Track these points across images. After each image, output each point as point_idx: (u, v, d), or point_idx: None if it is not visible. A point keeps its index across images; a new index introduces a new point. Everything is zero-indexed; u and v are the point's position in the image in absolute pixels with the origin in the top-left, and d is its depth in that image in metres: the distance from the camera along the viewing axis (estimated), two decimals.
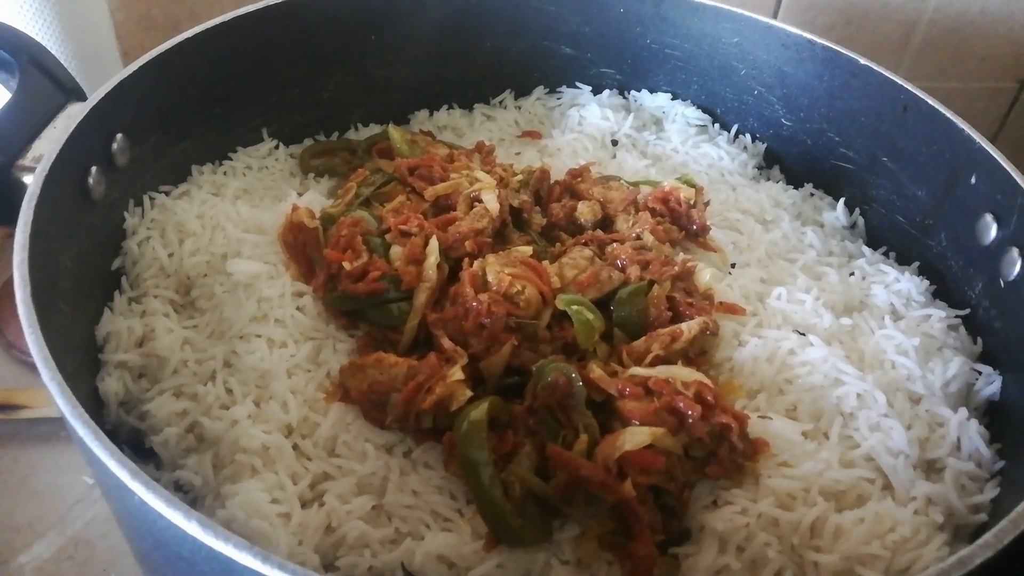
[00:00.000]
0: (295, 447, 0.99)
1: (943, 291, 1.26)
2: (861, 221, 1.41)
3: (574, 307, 1.05)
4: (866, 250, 1.36)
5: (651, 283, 1.12)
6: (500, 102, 1.61)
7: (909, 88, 1.28)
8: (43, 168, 0.97)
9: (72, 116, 1.06)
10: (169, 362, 1.07)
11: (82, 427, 0.74)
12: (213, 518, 0.90)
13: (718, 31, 1.47)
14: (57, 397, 0.77)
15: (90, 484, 1.32)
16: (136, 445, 1.04)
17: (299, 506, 0.94)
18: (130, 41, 1.69)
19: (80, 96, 1.15)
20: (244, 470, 0.96)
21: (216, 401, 1.03)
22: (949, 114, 1.23)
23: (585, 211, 1.26)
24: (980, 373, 1.13)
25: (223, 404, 1.03)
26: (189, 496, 0.98)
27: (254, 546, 0.66)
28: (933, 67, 1.95)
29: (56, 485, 1.31)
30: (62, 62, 1.17)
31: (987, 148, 1.16)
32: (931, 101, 1.25)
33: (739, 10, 1.44)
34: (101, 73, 1.54)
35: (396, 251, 1.12)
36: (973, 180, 1.19)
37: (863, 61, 1.33)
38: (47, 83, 1.10)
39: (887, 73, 1.31)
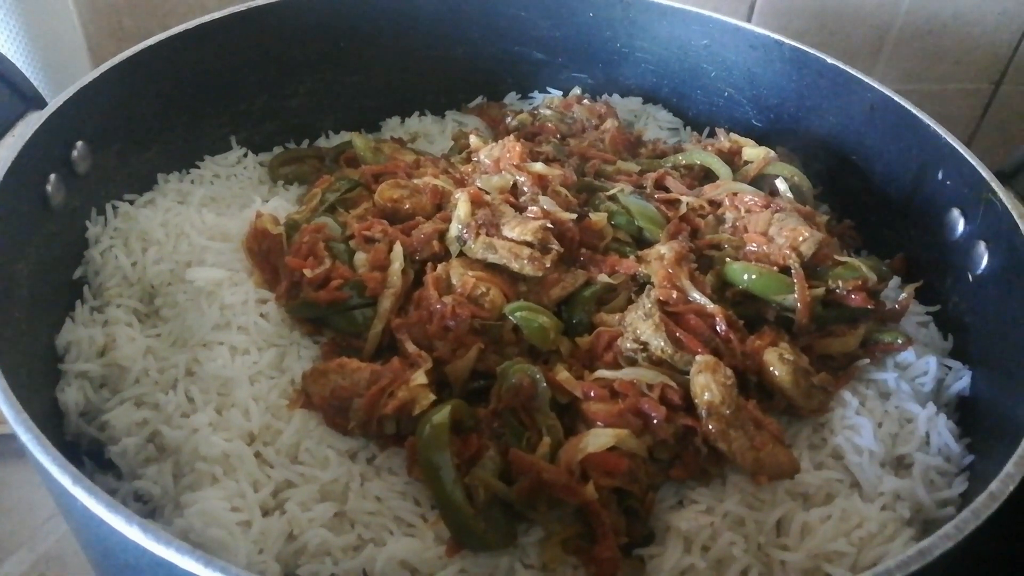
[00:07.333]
0: (257, 455, 0.98)
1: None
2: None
3: (518, 314, 1.04)
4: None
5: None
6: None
7: (876, 86, 1.28)
8: None
9: (31, 124, 1.05)
10: (131, 371, 1.05)
11: (25, 432, 0.73)
12: (171, 528, 0.89)
13: (687, 33, 1.48)
14: (1, 403, 0.75)
15: None
16: (98, 456, 1.03)
17: (260, 514, 0.92)
18: (101, 52, 1.68)
19: (41, 104, 1.14)
20: (204, 479, 0.95)
21: (177, 410, 1.01)
22: (915, 111, 1.23)
23: None
24: (950, 368, 1.13)
25: (184, 412, 1.01)
26: (148, 507, 0.96)
27: (196, 550, 0.64)
28: (908, 70, 1.95)
29: (27, 501, 1.29)
30: (30, 73, 1.16)
31: (953, 143, 1.16)
32: (897, 99, 1.25)
33: (707, 12, 1.44)
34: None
35: (360, 257, 1.11)
36: (940, 175, 1.19)
37: (830, 60, 1.33)
38: (5, 91, 1.09)
39: (854, 72, 1.31)
